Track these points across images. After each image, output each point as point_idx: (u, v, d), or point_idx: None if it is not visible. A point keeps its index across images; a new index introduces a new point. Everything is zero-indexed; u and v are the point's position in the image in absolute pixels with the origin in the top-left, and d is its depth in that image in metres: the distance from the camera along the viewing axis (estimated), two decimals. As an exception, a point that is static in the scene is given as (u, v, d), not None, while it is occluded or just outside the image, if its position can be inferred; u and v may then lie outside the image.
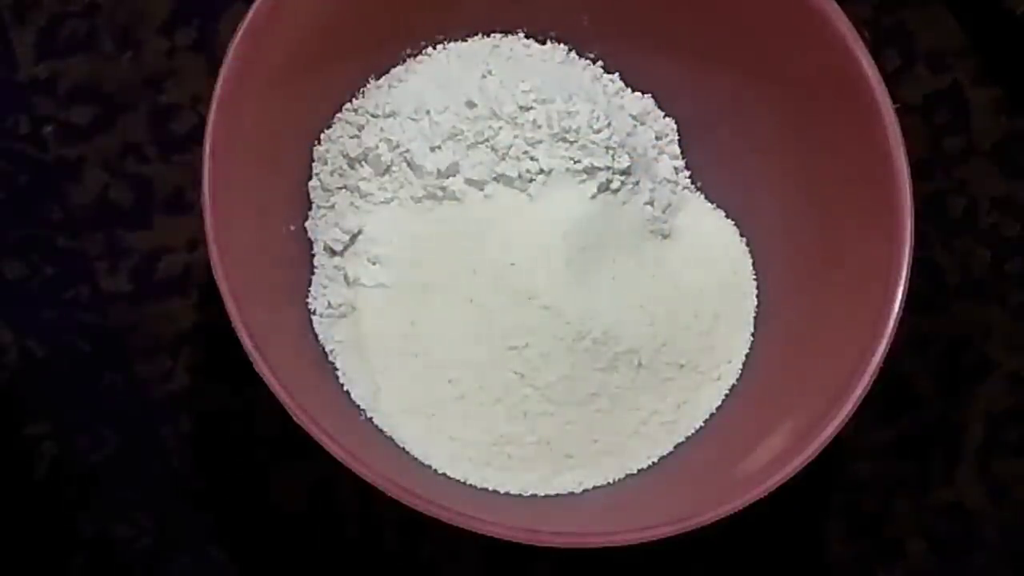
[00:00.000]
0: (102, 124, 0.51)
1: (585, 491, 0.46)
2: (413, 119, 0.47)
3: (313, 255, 0.47)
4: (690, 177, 0.51)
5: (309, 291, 0.47)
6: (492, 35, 0.50)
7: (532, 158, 0.46)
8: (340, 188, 0.47)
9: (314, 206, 0.47)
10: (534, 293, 0.45)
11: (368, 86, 0.48)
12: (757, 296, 0.49)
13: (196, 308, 0.50)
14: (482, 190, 0.46)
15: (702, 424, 0.48)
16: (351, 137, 0.47)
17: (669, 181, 0.50)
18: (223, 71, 0.43)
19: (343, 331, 0.46)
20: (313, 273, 0.47)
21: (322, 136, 0.48)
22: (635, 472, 0.47)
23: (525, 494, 0.46)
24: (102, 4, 0.52)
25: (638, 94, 0.50)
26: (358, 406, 0.45)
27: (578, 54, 0.50)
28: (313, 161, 0.48)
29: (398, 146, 0.46)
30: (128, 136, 0.51)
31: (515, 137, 0.46)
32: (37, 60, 0.51)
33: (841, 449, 0.50)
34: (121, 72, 0.52)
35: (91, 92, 0.51)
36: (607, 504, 0.46)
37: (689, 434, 0.47)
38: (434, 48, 0.49)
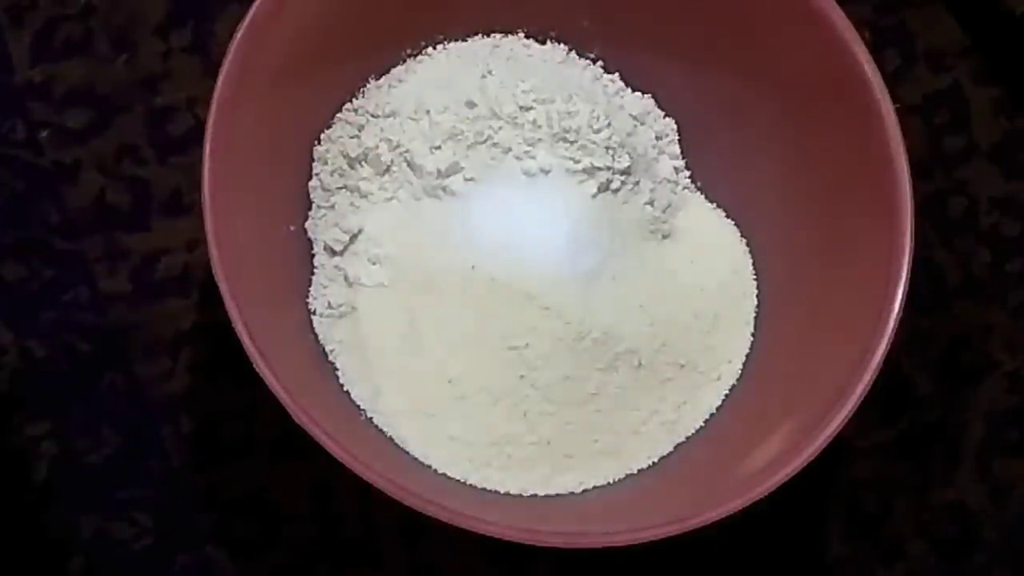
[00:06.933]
0: (98, 127, 0.51)
1: (585, 491, 0.46)
2: (413, 119, 0.47)
3: (313, 255, 0.47)
4: (690, 177, 0.51)
5: (309, 291, 0.47)
6: (492, 35, 0.50)
7: (532, 158, 0.46)
8: (340, 188, 0.47)
9: (314, 206, 0.47)
10: (534, 293, 0.45)
11: (368, 86, 0.48)
12: (757, 296, 0.49)
13: (196, 308, 0.50)
14: (482, 190, 0.46)
15: (702, 424, 0.48)
16: (351, 137, 0.47)
17: (669, 181, 0.50)
18: (223, 71, 0.43)
19: (343, 331, 0.46)
20: (313, 273, 0.47)
21: (322, 136, 0.48)
22: (635, 472, 0.47)
23: (525, 494, 0.46)
24: (97, 7, 0.52)
25: (638, 94, 0.50)
26: (358, 406, 0.45)
27: (578, 54, 0.50)
28: (313, 161, 0.48)
29: (398, 146, 0.46)
30: (124, 138, 0.51)
31: (515, 137, 0.46)
32: (32, 64, 0.51)
33: (841, 449, 0.50)
34: (117, 74, 0.52)
35: (87, 95, 0.51)
36: (607, 504, 0.46)
37: (689, 434, 0.47)
38: (434, 48, 0.49)
